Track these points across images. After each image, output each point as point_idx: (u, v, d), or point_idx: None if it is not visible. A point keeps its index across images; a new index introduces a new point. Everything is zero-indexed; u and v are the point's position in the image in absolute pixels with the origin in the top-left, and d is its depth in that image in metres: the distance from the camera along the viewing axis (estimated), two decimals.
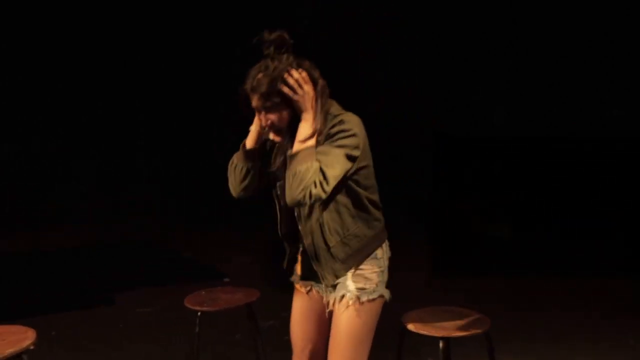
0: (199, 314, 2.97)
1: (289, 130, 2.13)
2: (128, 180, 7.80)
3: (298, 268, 2.37)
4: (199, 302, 3.01)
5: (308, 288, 2.35)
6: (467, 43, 6.74)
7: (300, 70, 2.06)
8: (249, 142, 2.26)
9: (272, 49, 2.07)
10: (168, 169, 7.90)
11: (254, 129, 2.25)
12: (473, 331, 2.47)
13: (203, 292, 3.14)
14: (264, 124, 2.14)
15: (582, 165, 6.31)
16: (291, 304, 2.42)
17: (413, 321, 2.54)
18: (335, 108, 2.17)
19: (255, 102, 2.10)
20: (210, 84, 7.49)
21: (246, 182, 2.26)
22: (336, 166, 2.04)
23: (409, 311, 2.65)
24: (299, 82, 2.05)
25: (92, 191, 7.67)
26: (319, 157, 2.04)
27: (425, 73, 6.87)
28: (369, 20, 7.01)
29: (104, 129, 7.86)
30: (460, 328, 2.48)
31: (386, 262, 2.29)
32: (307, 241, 2.21)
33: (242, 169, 2.25)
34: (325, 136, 2.09)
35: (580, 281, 5.11)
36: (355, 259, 2.21)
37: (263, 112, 2.11)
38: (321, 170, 2.02)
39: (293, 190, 2.02)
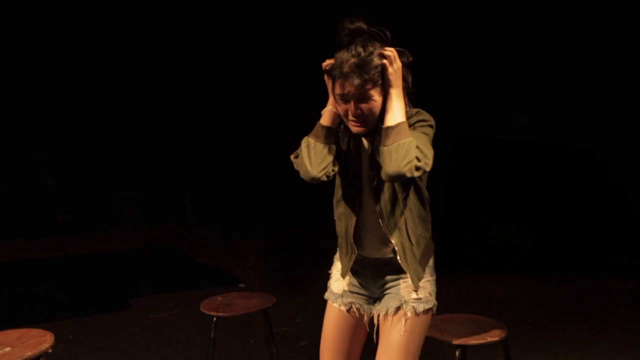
0: (214, 319, 2.96)
1: (377, 123, 1.99)
2: (128, 181, 7.80)
3: (333, 285, 2.23)
4: (214, 308, 3.00)
5: (348, 306, 2.17)
6: (468, 43, 6.77)
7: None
8: (327, 121, 2.05)
9: (359, 37, 1.96)
10: (168, 169, 7.90)
11: (331, 109, 2.05)
12: (490, 339, 2.44)
13: (219, 298, 3.14)
14: (353, 111, 1.96)
15: (585, 167, 6.37)
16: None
17: (429, 328, 2.54)
18: None
19: (348, 87, 1.93)
20: (210, 84, 7.50)
21: (326, 162, 2.01)
22: (429, 147, 1.93)
23: None
24: (393, 57, 1.93)
25: (94, 193, 7.66)
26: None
27: (425, 73, 6.88)
28: (369, 20, 7.00)
29: (104, 129, 7.85)
30: (477, 336, 2.45)
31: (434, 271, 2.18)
32: (394, 239, 2.05)
33: (323, 147, 2.01)
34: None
35: (581, 282, 5.17)
36: (424, 260, 2.10)
37: (354, 100, 1.94)
38: (417, 147, 1.89)
39: (398, 162, 1.85)
